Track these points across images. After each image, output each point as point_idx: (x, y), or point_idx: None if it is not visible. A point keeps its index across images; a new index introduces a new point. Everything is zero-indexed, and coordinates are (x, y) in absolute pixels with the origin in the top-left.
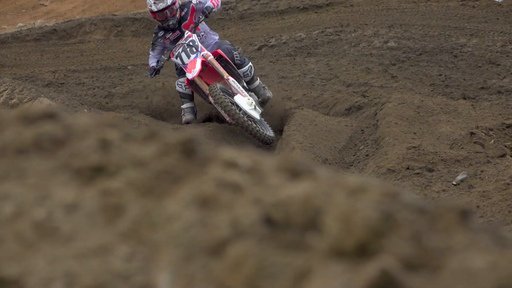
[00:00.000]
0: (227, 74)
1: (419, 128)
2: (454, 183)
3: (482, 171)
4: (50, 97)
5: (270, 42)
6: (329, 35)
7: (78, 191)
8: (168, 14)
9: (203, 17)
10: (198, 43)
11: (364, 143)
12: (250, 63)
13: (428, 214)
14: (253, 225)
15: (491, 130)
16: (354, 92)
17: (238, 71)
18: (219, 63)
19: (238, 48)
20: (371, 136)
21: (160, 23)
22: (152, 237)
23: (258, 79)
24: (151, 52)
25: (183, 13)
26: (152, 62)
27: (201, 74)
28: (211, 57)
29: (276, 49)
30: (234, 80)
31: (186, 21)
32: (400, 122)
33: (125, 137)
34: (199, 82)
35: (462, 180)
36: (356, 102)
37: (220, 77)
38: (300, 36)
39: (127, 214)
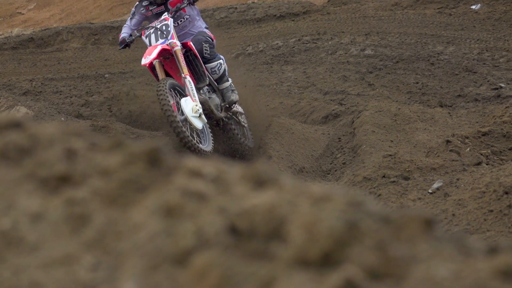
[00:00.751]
0: (186, 72)
1: (396, 136)
2: (430, 191)
3: (458, 179)
4: (28, 105)
5: (247, 50)
6: (306, 43)
7: (44, 200)
8: None
9: (186, 3)
10: (171, 29)
11: (341, 151)
12: (221, 60)
13: (392, 223)
14: (218, 234)
15: (467, 138)
16: (331, 100)
17: (205, 66)
18: (188, 56)
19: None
20: (348, 144)
21: None
22: (117, 246)
23: (230, 80)
24: (127, 21)
25: None
26: (125, 32)
27: (166, 62)
28: (178, 48)
29: (253, 57)
30: (190, 80)
31: None
32: (377, 130)
33: (91, 146)
34: (158, 69)
35: (438, 188)
36: (333, 110)
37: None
38: (277, 44)
39: (92, 223)
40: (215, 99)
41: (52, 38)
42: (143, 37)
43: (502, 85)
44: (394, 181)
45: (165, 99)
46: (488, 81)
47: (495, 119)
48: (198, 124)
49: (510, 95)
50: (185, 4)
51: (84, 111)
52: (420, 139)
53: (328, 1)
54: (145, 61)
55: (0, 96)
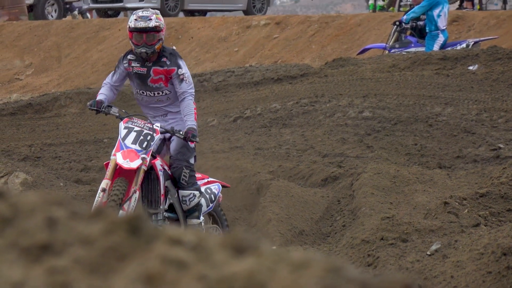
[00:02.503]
0: (138, 188)
1: (395, 198)
2: (428, 253)
3: (456, 241)
4: (26, 171)
5: (245, 114)
6: (304, 106)
7: (25, 269)
8: (146, 39)
9: (165, 93)
10: (153, 144)
11: (340, 213)
12: (196, 192)
13: None
14: None
15: (465, 199)
16: (330, 162)
17: (179, 192)
18: (149, 172)
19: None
20: (348, 207)
21: (133, 46)
22: None
23: (202, 219)
24: (109, 76)
25: (164, 59)
26: (103, 94)
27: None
28: (144, 168)
29: (251, 121)
30: (137, 198)
31: (159, 69)
32: (376, 192)
33: (72, 215)
34: (111, 167)
35: (436, 250)
36: (332, 172)
37: (131, 178)
38: (275, 107)
39: None
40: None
41: (50, 103)
42: (122, 124)
43: (501, 145)
44: (392, 244)
45: (117, 195)
46: (486, 142)
47: (493, 180)
48: None
49: (509, 155)
50: (162, 94)
51: (83, 176)
52: (420, 200)
53: (325, 64)
54: (125, 164)
55: None
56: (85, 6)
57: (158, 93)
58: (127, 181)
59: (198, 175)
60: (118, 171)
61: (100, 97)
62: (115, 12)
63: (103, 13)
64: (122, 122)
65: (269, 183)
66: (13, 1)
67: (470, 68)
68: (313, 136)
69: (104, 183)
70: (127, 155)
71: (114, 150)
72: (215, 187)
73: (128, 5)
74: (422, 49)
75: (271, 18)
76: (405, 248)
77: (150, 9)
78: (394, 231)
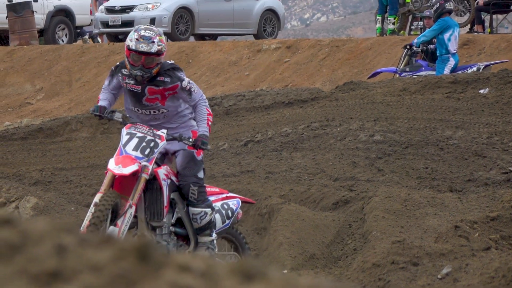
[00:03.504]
0: (135, 202)
1: (406, 221)
2: (439, 277)
3: (467, 265)
4: (38, 195)
5: (256, 138)
6: (315, 130)
7: None
8: (144, 62)
9: (162, 111)
10: (156, 152)
11: (351, 237)
12: (208, 210)
13: None
14: None
15: (476, 223)
16: (341, 186)
17: (189, 209)
18: (152, 183)
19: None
20: (359, 230)
21: (128, 66)
22: None
23: (214, 236)
24: (106, 81)
25: (160, 78)
26: (105, 99)
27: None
28: (145, 177)
29: (262, 144)
30: (132, 214)
31: (155, 89)
32: (387, 216)
33: (81, 242)
34: (108, 179)
35: (447, 274)
36: (343, 196)
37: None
38: (286, 131)
39: None
40: (165, 248)
41: (61, 128)
42: (124, 130)
43: None
44: (403, 267)
45: (98, 217)
46: (498, 165)
47: (504, 203)
48: None
49: None
50: (166, 111)
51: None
52: (431, 224)
53: (336, 88)
54: (113, 167)
55: (10, 187)
56: (95, 31)
57: (154, 112)
58: (118, 195)
59: (216, 189)
60: (117, 183)
61: (102, 102)
62: (126, 37)
63: (114, 38)
64: (124, 127)
65: (280, 207)
66: (23, 26)
67: (481, 91)
68: (324, 160)
69: (98, 197)
70: (120, 161)
71: (114, 156)
72: (234, 203)
73: None
74: (433, 72)
75: (282, 42)
76: (416, 272)
77: (154, 29)
78: (405, 254)
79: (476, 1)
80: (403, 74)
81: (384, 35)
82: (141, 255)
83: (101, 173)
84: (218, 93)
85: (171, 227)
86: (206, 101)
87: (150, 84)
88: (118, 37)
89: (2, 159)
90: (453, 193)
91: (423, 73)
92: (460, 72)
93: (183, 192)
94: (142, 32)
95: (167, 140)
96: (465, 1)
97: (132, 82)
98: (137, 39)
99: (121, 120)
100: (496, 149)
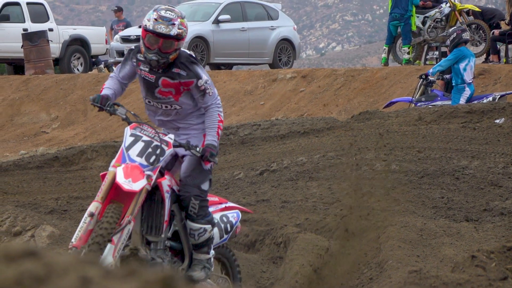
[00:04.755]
0: (133, 216)
1: (422, 251)
2: None
3: None
4: (53, 224)
5: (271, 167)
6: (331, 159)
7: None
8: (161, 46)
9: (174, 107)
10: (164, 158)
11: (367, 266)
12: (208, 227)
13: None
14: None
15: (492, 253)
16: (357, 216)
17: (187, 223)
18: (153, 193)
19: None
20: (375, 260)
21: (143, 49)
22: None
23: (212, 254)
24: (117, 69)
25: (176, 69)
26: (109, 88)
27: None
28: (146, 187)
29: (278, 174)
30: (130, 230)
31: (171, 82)
32: (403, 245)
33: (105, 274)
34: (107, 184)
35: None
36: (359, 225)
37: (128, 201)
38: (302, 160)
39: None
40: (160, 266)
41: (76, 156)
42: (128, 130)
43: None
44: None
45: (103, 236)
46: None
47: None
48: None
49: None
50: (175, 108)
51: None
52: (447, 253)
53: (351, 117)
54: (126, 185)
55: (26, 215)
56: (111, 60)
57: (166, 106)
58: (121, 207)
59: (215, 199)
60: (113, 189)
61: (106, 91)
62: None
63: None
64: (129, 127)
65: (296, 236)
66: (39, 55)
67: (497, 121)
68: (339, 189)
69: (94, 207)
70: (129, 173)
71: (114, 160)
72: (233, 215)
73: None
74: (449, 102)
75: (297, 71)
76: None
77: (175, 10)
78: (422, 284)
79: (492, 31)
80: (419, 104)
81: (399, 65)
82: (166, 287)
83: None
84: (233, 122)
85: (166, 242)
86: (220, 106)
87: (165, 75)
88: None
89: (17, 188)
90: (469, 222)
91: (439, 102)
92: (475, 102)
93: (183, 204)
94: (162, 13)
95: (174, 147)
96: (481, 31)
97: (147, 69)
98: (155, 19)
99: (124, 116)
100: (511, 178)
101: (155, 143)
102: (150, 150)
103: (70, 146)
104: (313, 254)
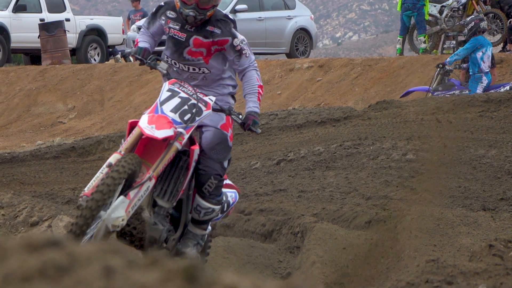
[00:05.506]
0: (157, 174)
1: (439, 240)
2: None
3: (501, 283)
4: (70, 214)
5: (288, 156)
6: (348, 149)
7: None
8: (199, 1)
9: (202, 71)
10: (200, 119)
11: (384, 256)
12: (217, 209)
13: None
14: None
15: (510, 242)
16: (374, 205)
17: (197, 199)
18: (179, 159)
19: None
20: (392, 249)
21: (179, 4)
22: None
23: (208, 231)
24: (145, 23)
25: (210, 27)
26: (145, 42)
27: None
28: (177, 146)
29: (294, 163)
30: (150, 187)
31: (202, 40)
32: (420, 234)
33: (128, 263)
34: (134, 137)
35: None
36: (376, 215)
37: (155, 161)
38: (319, 150)
39: None
40: (159, 232)
41: (93, 147)
42: (167, 85)
43: None
44: (437, 286)
45: (108, 185)
46: None
47: None
48: (98, 235)
49: None
50: (205, 71)
51: None
52: (464, 243)
53: (368, 107)
54: (147, 130)
55: (43, 206)
56: (128, 50)
57: (194, 69)
58: (140, 161)
59: None
60: (142, 145)
61: (143, 44)
62: (158, 55)
63: None
64: (167, 82)
65: (313, 226)
66: (56, 45)
67: None
68: (356, 179)
69: (114, 158)
70: (154, 120)
71: (147, 111)
72: (232, 195)
73: None
74: (466, 91)
75: (314, 61)
76: None
77: None
78: (439, 273)
79: (509, 21)
80: (436, 93)
81: (416, 54)
82: (189, 277)
83: None
84: None
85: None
86: (258, 69)
87: (198, 33)
88: None
89: (34, 178)
90: (486, 211)
91: (456, 92)
92: (493, 91)
93: (200, 179)
94: None
95: (213, 109)
96: (498, 20)
97: (177, 27)
98: None
99: (165, 72)
100: None
101: (193, 101)
102: (186, 107)
103: (87, 136)
104: (330, 244)
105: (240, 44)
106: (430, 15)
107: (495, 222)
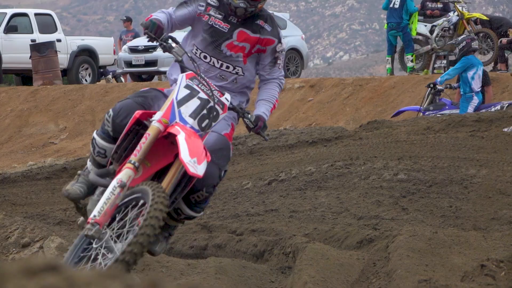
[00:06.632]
0: (166, 186)
1: (431, 260)
2: None
3: None
4: (62, 235)
5: (280, 177)
6: (339, 169)
7: None
8: None
9: (236, 71)
10: (215, 124)
11: (376, 276)
12: (200, 215)
13: None
14: None
15: (502, 262)
16: (365, 225)
17: (179, 203)
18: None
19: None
20: (383, 269)
21: None
22: None
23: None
24: (171, 9)
25: (259, 21)
26: (162, 18)
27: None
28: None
29: (286, 183)
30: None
31: (251, 35)
32: (412, 254)
33: None
34: (149, 140)
35: None
36: (368, 235)
37: (153, 159)
38: (310, 170)
39: None
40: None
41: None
42: (184, 79)
43: None
44: None
45: (149, 235)
46: None
47: None
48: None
49: None
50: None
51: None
52: (455, 263)
53: (360, 126)
54: (191, 167)
55: (34, 227)
56: (119, 70)
57: (228, 67)
58: (151, 172)
59: None
60: (154, 148)
61: (158, 19)
62: (149, 76)
63: (137, 77)
64: (184, 75)
65: (305, 246)
66: (47, 66)
67: (505, 130)
68: (348, 199)
69: (126, 175)
70: (193, 148)
71: (161, 113)
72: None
73: (162, 69)
74: (457, 111)
75: (305, 81)
76: None
77: None
78: None
79: (500, 40)
80: (427, 113)
81: (407, 74)
82: None
83: None
84: (241, 132)
85: None
86: (282, 85)
87: (244, 26)
88: (141, 77)
89: (26, 199)
90: (477, 231)
91: (447, 111)
92: (483, 110)
93: (192, 187)
94: None
95: (228, 109)
96: (489, 40)
97: (220, 16)
98: None
99: (180, 58)
100: None
101: (211, 103)
102: (204, 112)
103: (79, 157)
104: (322, 264)
105: (281, 52)
106: (420, 34)
107: (486, 241)
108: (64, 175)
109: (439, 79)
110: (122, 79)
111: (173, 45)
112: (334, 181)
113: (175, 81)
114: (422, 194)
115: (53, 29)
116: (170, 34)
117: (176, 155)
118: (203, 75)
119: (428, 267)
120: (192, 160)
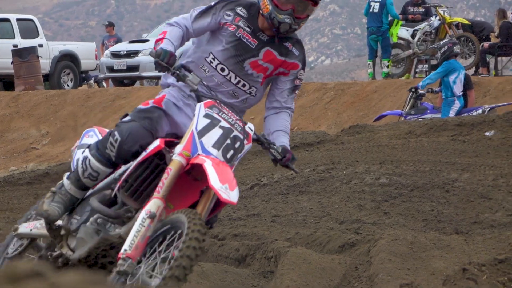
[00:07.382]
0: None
1: (412, 264)
2: None
3: None
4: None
5: (262, 181)
6: (321, 173)
7: None
8: (296, 8)
9: (250, 92)
10: (240, 156)
11: (358, 280)
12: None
13: None
14: None
15: (484, 265)
16: (347, 229)
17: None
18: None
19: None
20: (365, 273)
21: (269, 7)
22: None
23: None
24: (189, 16)
25: (288, 44)
26: (170, 45)
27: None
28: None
29: (268, 188)
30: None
31: (277, 57)
32: (393, 258)
33: None
34: (173, 172)
35: None
36: (349, 239)
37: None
38: (292, 174)
39: None
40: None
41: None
42: (203, 108)
43: None
44: None
45: (185, 268)
46: (503, 207)
47: (511, 246)
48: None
49: None
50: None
51: None
52: (437, 266)
53: (341, 131)
54: (224, 194)
55: None
56: (101, 75)
57: (244, 85)
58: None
59: None
60: (176, 187)
61: (168, 47)
62: (131, 81)
63: (119, 82)
64: (203, 104)
65: (287, 250)
66: (29, 71)
67: (487, 134)
68: (330, 203)
69: (154, 205)
70: (223, 174)
71: (181, 146)
72: None
73: (144, 74)
74: (438, 115)
75: None
76: None
77: None
78: None
79: (481, 44)
80: (409, 117)
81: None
82: None
83: None
84: None
85: None
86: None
87: (272, 46)
88: (123, 82)
89: (8, 204)
90: (459, 235)
91: (429, 115)
92: (465, 114)
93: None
94: None
95: (253, 141)
96: (470, 44)
97: (249, 30)
98: None
99: (195, 87)
100: (501, 191)
101: (235, 133)
102: (228, 142)
103: (61, 162)
104: (304, 268)
105: (301, 80)
106: (402, 38)
107: (468, 245)
108: (46, 180)
109: (420, 83)
110: (104, 84)
111: (187, 73)
112: (316, 186)
113: (168, 85)
114: (404, 198)
115: (35, 34)
116: (182, 62)
117: (202, 191)
118: (222, 104)
119: (410, 271)
120: (224, 186)
